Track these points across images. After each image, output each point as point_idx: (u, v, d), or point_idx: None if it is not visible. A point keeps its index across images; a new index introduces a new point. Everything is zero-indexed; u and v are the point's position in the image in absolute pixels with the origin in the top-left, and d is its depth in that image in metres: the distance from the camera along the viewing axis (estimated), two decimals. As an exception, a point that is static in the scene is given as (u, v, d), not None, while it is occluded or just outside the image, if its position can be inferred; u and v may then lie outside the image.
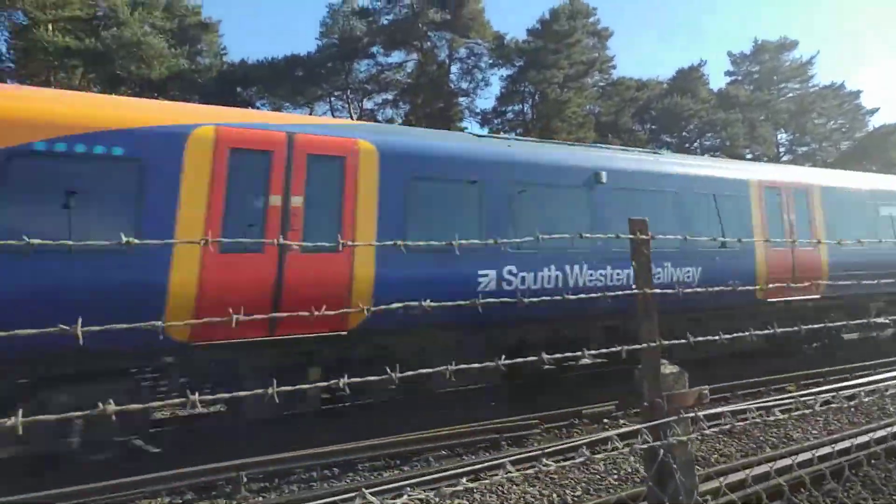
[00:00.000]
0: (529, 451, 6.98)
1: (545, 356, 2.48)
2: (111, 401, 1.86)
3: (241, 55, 57.47)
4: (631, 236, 3.17)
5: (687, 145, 44.16)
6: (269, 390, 2.06)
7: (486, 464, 6.47)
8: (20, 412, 1.69)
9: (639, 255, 3.19)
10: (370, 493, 2.02)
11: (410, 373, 2.36)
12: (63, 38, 28.03)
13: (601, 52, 42.62)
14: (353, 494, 2.15)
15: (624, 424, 8.17)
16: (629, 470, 6.56)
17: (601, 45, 43.13)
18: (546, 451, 6.22)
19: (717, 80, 74.91)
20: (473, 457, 7.42)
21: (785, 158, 46.96)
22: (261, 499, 6.34)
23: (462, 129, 35.50)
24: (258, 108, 33.77)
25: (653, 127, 44.75)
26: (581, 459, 2.39)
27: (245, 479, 6.59)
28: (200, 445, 7.96)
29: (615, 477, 6.44)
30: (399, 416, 8.71)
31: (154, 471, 6.51)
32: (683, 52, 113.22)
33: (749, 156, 42.77)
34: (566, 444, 7.31)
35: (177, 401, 2.31)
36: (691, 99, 42.46)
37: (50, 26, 28.63)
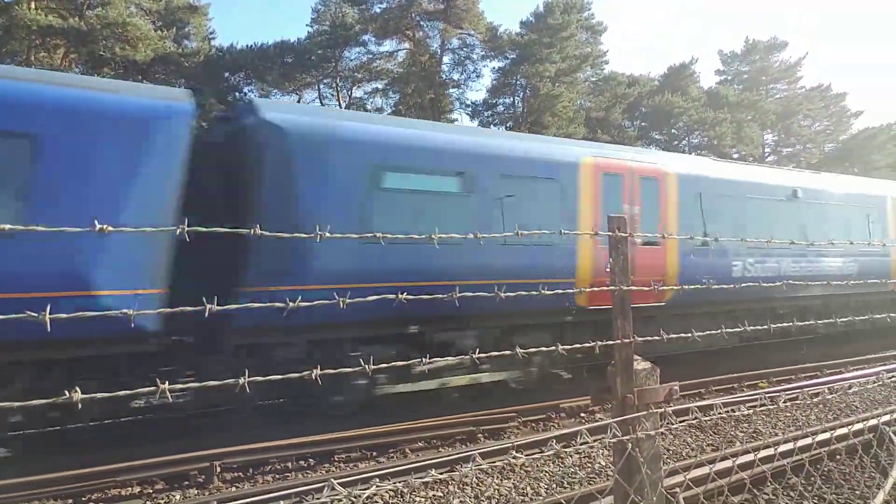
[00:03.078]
0: (501, 444, 7.00)
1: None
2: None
3: (229, 40, 56.65)
4: (610, 233, 3.19)
5: (675, 143, 44.27)
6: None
7: (457, 455, 6.50)
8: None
9: (617, 253, 3.20)
10: (339, 484, 2.00)
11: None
12: (46, 16, 27.40)
13: (594, 47, 42.41)
14: (322, 484, 2.14)
15: (600, 419, 8.22)
16: (603, 464, 6.61)
17: (594, 40, 42.96)
18: (517, 444, 6.24)
19: (709, 78, 75.06)
20: (450, 449, 7.44)
21: (770, 159, 47.22)
22: (234, 489, 6.30)
23: (452, 121, 35.31)
24: (245, 94, 33.27)
25: (643, 124, 44.79)
26: (550, 453, 2.39)
27: (219, 469, 6.54)
28: (174, 434, 7.91)
29: (588, 471, 6.49)
30: (378, 408, 8.71)
31: (125, 459, 6.44)
32: (677, 48, 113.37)
33: (735, 155, 42.93)
34: (538, 437, 7.36)
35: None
36: (681, 97, 42.49)
37: (32, 4, 28.02)
